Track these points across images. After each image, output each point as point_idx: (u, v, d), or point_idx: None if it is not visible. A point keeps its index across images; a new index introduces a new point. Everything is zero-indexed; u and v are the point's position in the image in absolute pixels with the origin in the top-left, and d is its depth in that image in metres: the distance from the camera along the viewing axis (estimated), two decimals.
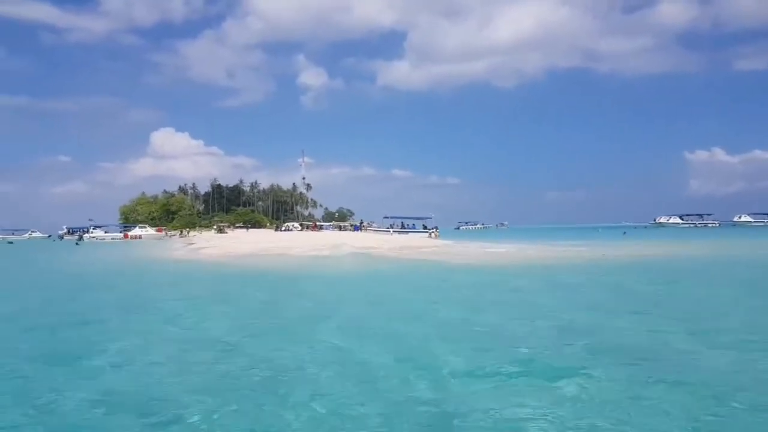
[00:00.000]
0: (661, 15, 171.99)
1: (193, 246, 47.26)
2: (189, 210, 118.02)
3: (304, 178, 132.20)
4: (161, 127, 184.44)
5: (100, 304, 13.96)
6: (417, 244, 41.20)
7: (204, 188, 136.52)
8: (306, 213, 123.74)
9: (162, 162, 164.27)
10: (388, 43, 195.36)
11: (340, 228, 76.93)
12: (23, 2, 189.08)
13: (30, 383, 6.68)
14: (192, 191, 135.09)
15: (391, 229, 63.96)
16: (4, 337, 9.91)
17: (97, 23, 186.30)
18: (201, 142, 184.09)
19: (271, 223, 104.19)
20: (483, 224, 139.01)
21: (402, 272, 21.53)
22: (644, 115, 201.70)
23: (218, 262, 28.87)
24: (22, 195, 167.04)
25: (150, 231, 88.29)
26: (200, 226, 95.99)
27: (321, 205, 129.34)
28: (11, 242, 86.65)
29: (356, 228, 73.65)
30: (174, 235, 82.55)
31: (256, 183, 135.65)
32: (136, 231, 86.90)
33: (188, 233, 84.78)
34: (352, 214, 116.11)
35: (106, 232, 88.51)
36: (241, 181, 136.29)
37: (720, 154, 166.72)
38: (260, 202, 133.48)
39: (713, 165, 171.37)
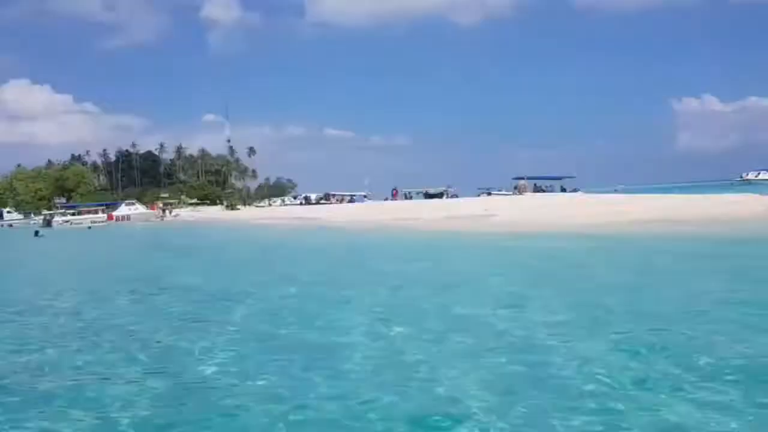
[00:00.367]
0: None
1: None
2: (91, 185, 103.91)
3: (228, 141, 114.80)
4: (12, 79, 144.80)
5: None
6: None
7: (96, 157, 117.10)
8: (240, 185, 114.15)
9: (14, 125, 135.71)
10: None
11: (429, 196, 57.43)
12: None
13: None
14: (88, 161, 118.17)
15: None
16: None
17: None
18: (69, 97, 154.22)
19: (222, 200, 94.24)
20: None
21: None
22: (626, 55, 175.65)
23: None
24: None
25: (140, 209, 70.32)
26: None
27: (260, 175, 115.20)
28: None
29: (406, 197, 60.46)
30: (161, 216, 68.45)
31: (182, 147, 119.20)
32: (123, 209, 68.70)
33: (170, 211, 72.23)
34: (294, 185, 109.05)
35: (75, 214, 66.01)
36: (162, 146, 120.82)
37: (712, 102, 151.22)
38: (183, 173, 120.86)
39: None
